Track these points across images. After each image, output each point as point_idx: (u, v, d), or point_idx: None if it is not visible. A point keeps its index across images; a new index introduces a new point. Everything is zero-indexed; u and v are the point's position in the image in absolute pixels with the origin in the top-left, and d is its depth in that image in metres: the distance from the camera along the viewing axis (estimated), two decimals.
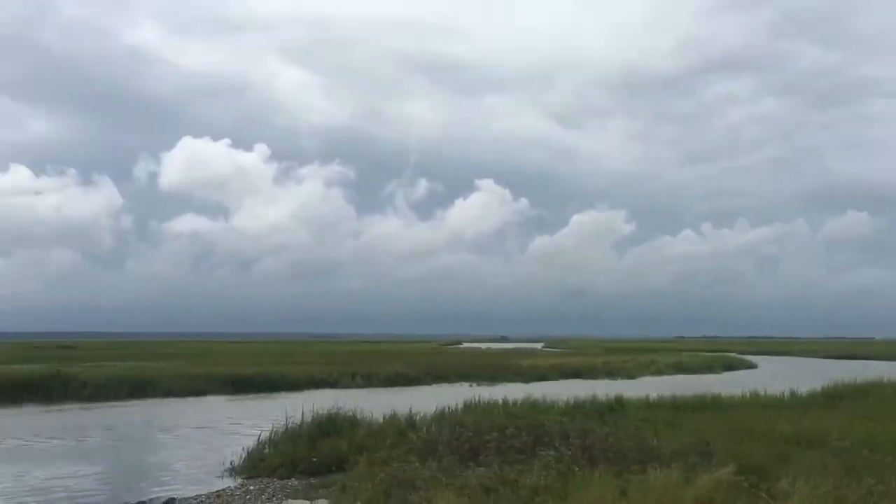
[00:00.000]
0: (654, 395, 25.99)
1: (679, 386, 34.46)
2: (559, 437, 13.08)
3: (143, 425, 26.26)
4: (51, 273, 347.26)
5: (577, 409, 21.41)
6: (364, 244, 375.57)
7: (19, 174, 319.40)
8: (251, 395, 37.67)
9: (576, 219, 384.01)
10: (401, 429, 17.37)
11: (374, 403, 23.62)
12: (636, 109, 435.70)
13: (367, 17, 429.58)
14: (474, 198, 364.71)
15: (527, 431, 13.61)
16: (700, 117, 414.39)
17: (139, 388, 36.14)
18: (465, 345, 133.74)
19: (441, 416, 19.13)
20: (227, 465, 17.34)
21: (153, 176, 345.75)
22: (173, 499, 13.72)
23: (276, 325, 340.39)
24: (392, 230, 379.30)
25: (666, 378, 53.03)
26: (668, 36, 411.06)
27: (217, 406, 33.12)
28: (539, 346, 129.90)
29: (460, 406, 21.66)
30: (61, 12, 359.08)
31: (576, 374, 53.21)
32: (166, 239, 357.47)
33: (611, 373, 55.02)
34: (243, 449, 17.92)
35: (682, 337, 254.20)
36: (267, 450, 17.76)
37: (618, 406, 22.89)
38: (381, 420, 19.00)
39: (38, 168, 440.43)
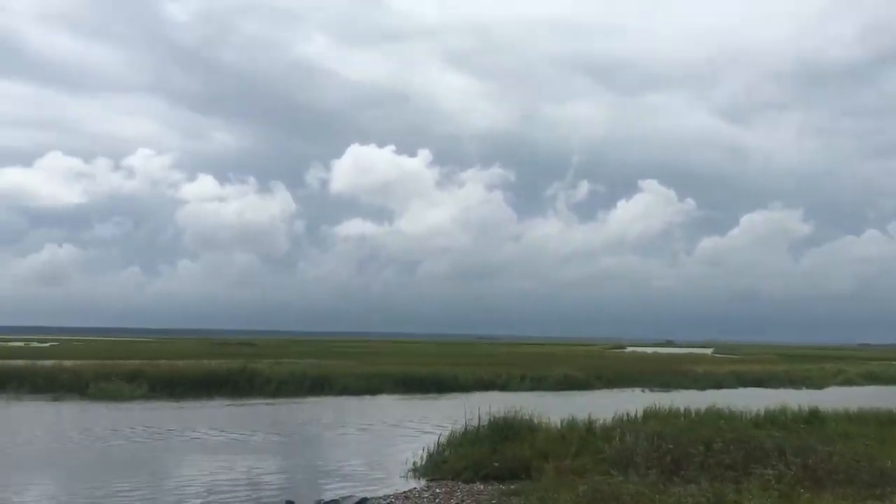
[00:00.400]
0: (851, 407, 23.78)
1: (875, 398, 31.62)
2: (775, 454, 12.00)
3: (327, 422, 27.18)
4: (232, 274, 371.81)
5: (769, 420, 19.88)
6: (524, 246, 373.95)
7: (206, 183, 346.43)
8: (422, 395, 38.23)
9: (746, 219, 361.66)
10: (582, 435, 16.75)
11: (546, 407, 23.03)
12: (814, 102, 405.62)
13: (525, 20, 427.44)
14: (637, 199, 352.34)
15: (735, 445, 12.61)
16: (887, 108, 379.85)
17: (318, 386, 37.70)
18: (630, 349, 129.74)
19: (621, 423, 18.30)
20: (410, 465, 17.39)
21: (324, 182, 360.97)
22: (365, 499, 13.77)
23: (438, 326, 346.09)
24: (553, 232, 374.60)
25: (857, 389, 49.09)
26: (851, 23, 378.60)
27: (390, 405, 33.79)
28: (708, 351, 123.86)
29: (639, 413, 20.67)
30: (240, 30, 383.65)
31: (756, 381, 50.69)
32: (335, 242, 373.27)
33: (793, 381, 51.88)
34: (423, 450, 17.91)
35: (867, 344, 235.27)
36: (447, 452, 17.62)
37: (813, 419, 21.09)
38: (558, 425, 18.41)
39: (221, 177, 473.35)
